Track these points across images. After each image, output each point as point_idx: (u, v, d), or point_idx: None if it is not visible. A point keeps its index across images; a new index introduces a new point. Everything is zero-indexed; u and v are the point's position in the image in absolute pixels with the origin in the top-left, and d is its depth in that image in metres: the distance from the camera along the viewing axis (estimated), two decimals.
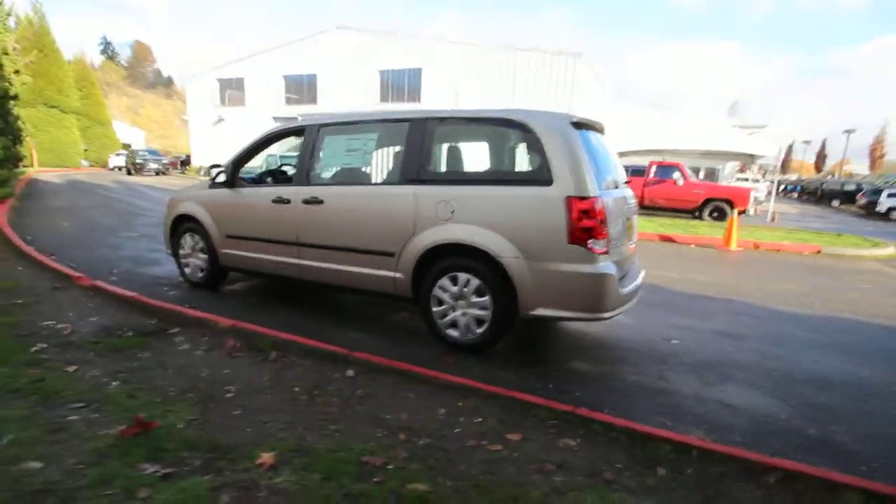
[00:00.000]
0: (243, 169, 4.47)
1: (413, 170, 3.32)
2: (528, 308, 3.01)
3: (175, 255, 4.79)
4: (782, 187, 38.61)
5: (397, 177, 3.42)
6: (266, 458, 1.76)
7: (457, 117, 3.38)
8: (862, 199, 23.73)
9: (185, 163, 29.98)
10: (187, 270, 4.74)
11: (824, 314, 4.60)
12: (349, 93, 22.31)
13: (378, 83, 22.11)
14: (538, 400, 2.39)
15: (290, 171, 5.02)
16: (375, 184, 3.65)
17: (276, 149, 19.43)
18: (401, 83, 21.69)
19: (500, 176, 3.24)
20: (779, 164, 14.54)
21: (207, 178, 14.08)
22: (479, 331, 3.18)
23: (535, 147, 2.99)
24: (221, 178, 4.25)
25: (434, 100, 20.14)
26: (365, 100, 21.88)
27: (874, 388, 2.99)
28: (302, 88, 24.28)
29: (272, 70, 24.45)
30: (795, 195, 37.93)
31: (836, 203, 28.55)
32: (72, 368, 2.66)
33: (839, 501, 1.79)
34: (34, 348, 2.91)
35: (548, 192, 2.89)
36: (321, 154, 3.90)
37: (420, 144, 3.32)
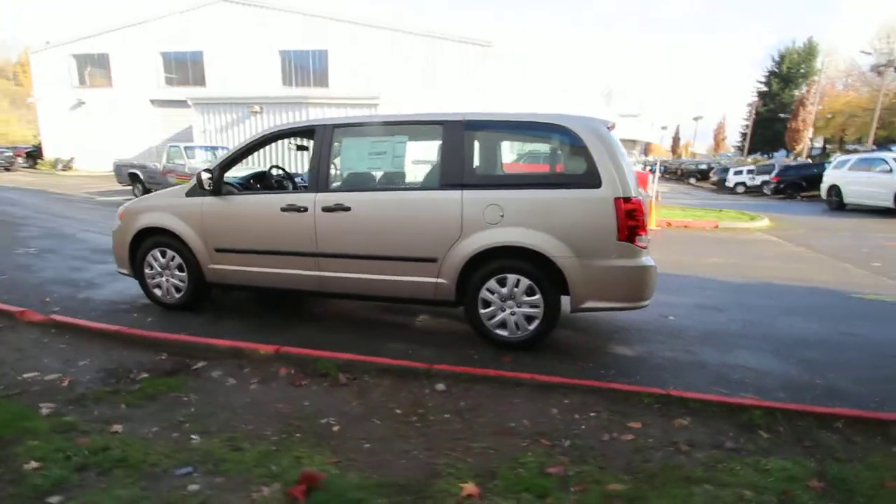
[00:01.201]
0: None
1: (455, 174, 3.29)
2: (579, 302, 3.22)
3: (139, 275, 4.12)
4: (648, 168, 44.33)
5: (437, 181, 3.35)
6: (469, 488, 1.72)
7: (495, 121, 3.41)
8: (714, 177, 28.27)
9: (35, 155, 24.79)
10: (157, 292, 4.11)
11: (760, 282, 5.56)
12: (245, 73, 20.27)
13: (279, 64, 20.42)
14: (634, 388, 2.63)
15: (276, 172, 4.61)
16: (412, 188, 3.53)
17: (156, 136, 16.93)
18: (305, 65, 20.29)
19: (547, 179, 3.37)
20: (667, 148, 16.61)
21: (120, 175, 11.36)
22: (531, 327, 3.31)
23: (581, 151, 3.17)
24: (204, 184, 3.72)
25: (344, 84, 19.27)
26: (264, 82, 20.10)
27: (838, 340, 3.75)
28: (186, 67, 21.39)
29: (146, 46, 21.12)
30: (658, 174, 43.67)
31: (692, 180, 33.59)
32: (118, 428, 2.23)
33: (891, 432, 2.30)
34: (45, 410, 2.37)
35: (598, 195, 3.09)
36: (340, 158, 3.64)
37: (460, 148, 3.29)
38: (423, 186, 3.51)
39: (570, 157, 3.30)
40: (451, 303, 3.45)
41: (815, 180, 19.07)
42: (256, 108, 16.67)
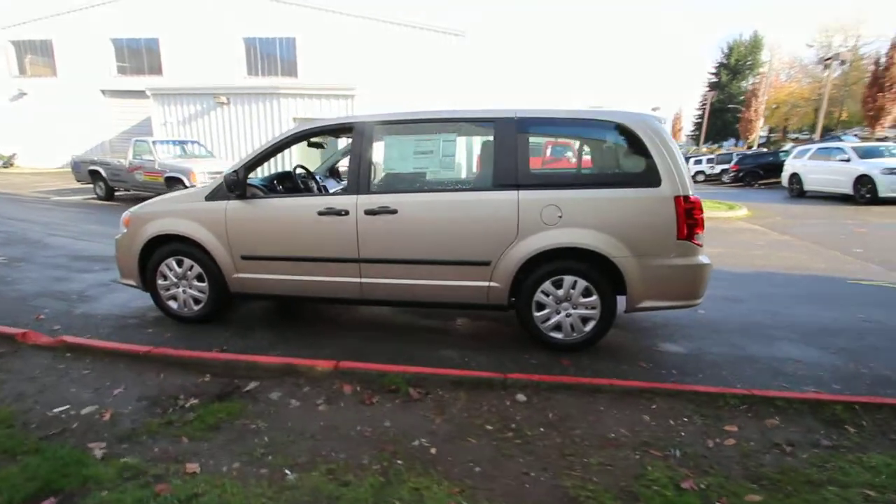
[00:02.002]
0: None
1: (510, 173, 3.17)
2: (636, 302, 3.19)
3: (151, 287, 3.78)
4: None
5: (490, 181, 3.23)
6: None
7: (548, 118, 3.30)
8: None
9: None
10: (173, 304, 3.79)
11: (763, 271, 5.77)
12: (206, 62, 19.06)
13: (243, 52, 19.34)
14: (717, 389, 2.63)
15: (300, 172, 4.32)
16: (464, 189, 3.37)
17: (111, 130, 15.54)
18: (272, 53, 19.31)
19: (605, 178, 3.30)
20: None
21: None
22: (587, 329, 3.27)
23: (639, 149, 3.12)
24: (230, 187, 3.43)
25: (314, 75, 18.53)
26: (227, 71, 19.01)
27: (858, 327, 3.92)
28: (140, 55, 19.86)
29: (95, 32, 19.42)
30: None
31: None
32: (193, 468, 2.00)
33: None
34: (98, 452, 2.10)
35: (658, 193, 3.06)
36: (382, 157, 3.44)
37: (514, 146, 3.18)
38: (475, 187, 3.37)
39: (628, 154, 3.24)
40: (502, 307, 3.36)
41: (772, 169, 20.25)
42: (223, 98, 15.76)
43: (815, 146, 14.83)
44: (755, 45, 50.70)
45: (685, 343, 3.58)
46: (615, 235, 3.10)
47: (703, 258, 3.17)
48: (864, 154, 12.54)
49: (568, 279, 3.20)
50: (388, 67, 18.36)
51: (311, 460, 2.06)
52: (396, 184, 3.50)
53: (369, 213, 3.29)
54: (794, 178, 14.50)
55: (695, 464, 2.05)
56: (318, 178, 4.47)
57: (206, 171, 10.20)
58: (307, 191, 4.11)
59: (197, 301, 3.75)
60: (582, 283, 3.19)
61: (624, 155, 3.28)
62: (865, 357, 3.34)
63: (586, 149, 3.45)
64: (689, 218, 3.07)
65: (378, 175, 3.45)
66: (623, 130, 3.17)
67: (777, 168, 17.46)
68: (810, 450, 2.18)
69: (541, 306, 3.28)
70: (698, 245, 3.14)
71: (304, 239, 3.44)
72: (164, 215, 3.70)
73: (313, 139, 4.13)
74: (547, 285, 3.23)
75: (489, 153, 3.26)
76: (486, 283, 3.28)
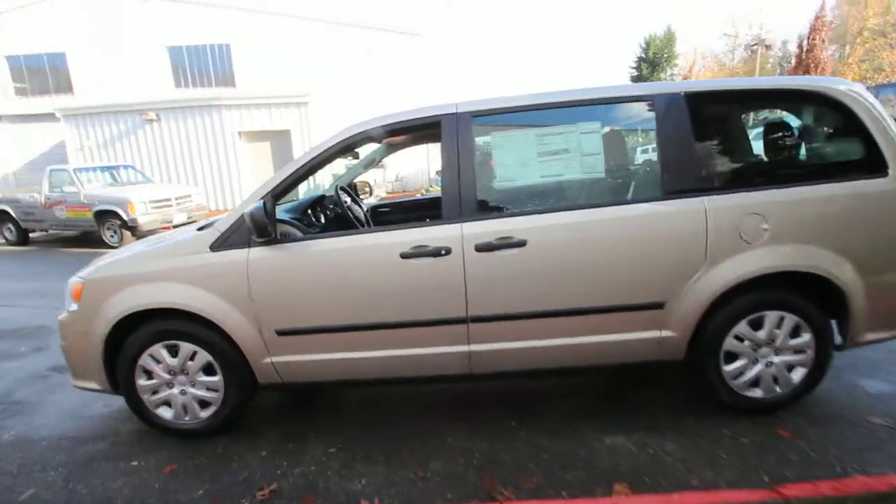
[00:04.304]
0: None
1: (688, 173, 2.19)
2: (858, 335, 2.32)
3: (126, 388, 2.43)
4: None
5: (658, 186, 2.22)
6: None
7: (728, 90, 2.33)
8: None
9: None
10: (165, 413, 2.49)
11: None
12: (125, 77, 16.55)
13: (168, 64, 17.02)
14: None
15: (338, 197, 3.08)
16: (619, 202, 2.31)
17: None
18: (203, 64, 17.10)
19: (816, 170, 2.39)
20: None
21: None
22: (796, 380, 2.36)
23: (854, 125, 2.24)
24: (258, 230, 2.18)
25: (255, 84, 16.63)
26: (151, 85, 16.60)
27: None
28: (43, 73, 16.89)
29: None
30: None
31: None
32: None
33: None
34: None
35: (889, 185, 2.21)
36: (491, 163, 2.33)
37: (689, 133, 2.20)
38: (635, 198, 2.34)
39: (840, 134, 2.37)
40: (674, 364, 2.36)
41: None
42: (152, 115, 13.67)
43: None
44: (669, 39, 53.84)
45: (882, 375, 2.77)
46: (835, 249, 2.20)
47: None
48: None
49: (771, 316, 2.27)
50: (341, 72, 16.87)
51: None
52: (519, 202, 2.39)
53: (483, 248, 2.18)
54: None
55: None
56: (361, 203, 3.26)
57: (147, 200, 8.47)
58: (359, 223, 2.90)
59: (205, 404, 2.45)
60: (791, 319, 2.27)
61: (834, 135, 2.40)
62: None
63: (785, 129, 2.54)
64: None
65: (489, 189, 2.34)
66: (828, 101, 2.26)
67: None
68: None
69: (731, 356, 2.33)
70: None
71: (381, 296, 2.26)
72: (141, 279, 2.36)
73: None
74: (742, 327, 2.28)
75: (656, 145, 2.26)
76: (655, 334, 2.27)
